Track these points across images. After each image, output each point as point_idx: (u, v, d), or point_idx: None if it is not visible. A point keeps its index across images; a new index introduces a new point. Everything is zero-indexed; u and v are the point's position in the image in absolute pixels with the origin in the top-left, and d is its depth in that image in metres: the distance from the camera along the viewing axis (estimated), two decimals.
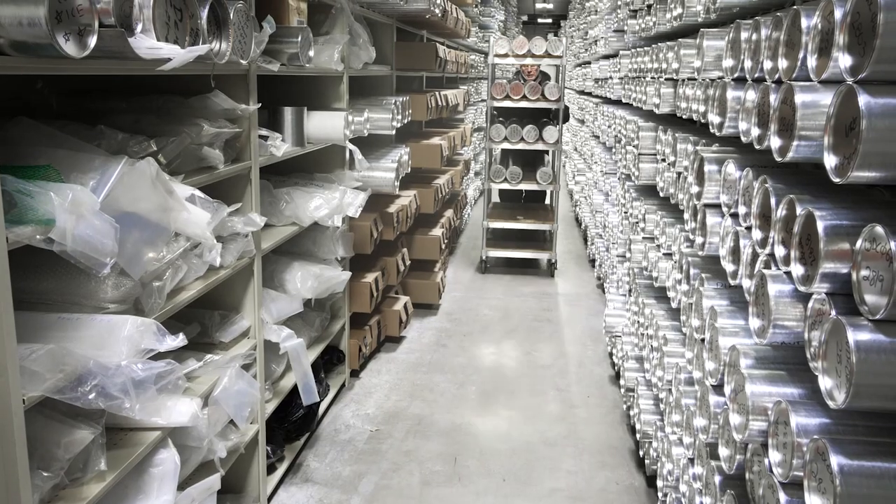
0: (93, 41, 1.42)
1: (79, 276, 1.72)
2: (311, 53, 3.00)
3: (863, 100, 1.12)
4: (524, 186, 6.55)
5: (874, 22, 1.09)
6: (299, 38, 2.82)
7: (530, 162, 7.23)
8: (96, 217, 1.42)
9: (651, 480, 3.18)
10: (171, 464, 1.94)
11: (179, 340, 1.74)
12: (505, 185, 6.54)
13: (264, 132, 2.75)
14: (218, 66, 2.19)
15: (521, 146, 6.36)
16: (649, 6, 3.63)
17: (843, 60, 1.20)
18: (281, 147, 2.80)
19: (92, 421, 1.71)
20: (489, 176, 6.52)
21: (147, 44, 1.53)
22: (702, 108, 2.42)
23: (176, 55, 1.58)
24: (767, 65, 1.71)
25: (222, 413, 2.26)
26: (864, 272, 1.23)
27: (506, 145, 6.36)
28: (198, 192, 1.91)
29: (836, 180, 1.21)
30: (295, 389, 3.01)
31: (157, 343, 1.68)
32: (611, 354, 4.46)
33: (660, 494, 2.77)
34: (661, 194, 3.11)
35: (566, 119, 6.80)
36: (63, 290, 1.73)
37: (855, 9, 1.18)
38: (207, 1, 1.92)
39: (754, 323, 1.64)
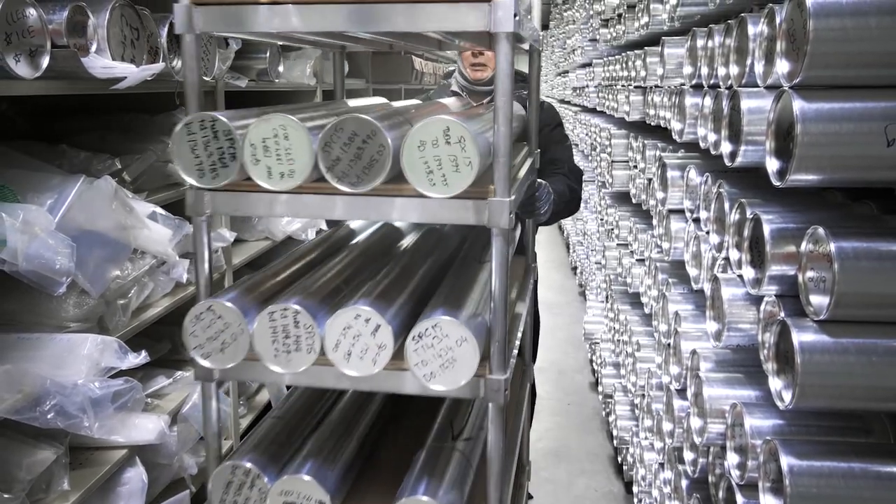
0: (45, 62, 1.43)
1: (40, 295, 1.71)
2: (281, 69, 3.01)
3: (797, 105, 1.14)
4: None
5: (805, 28, 1.11)
6: (268, 54, 2.83)
7: None
8: (51, 236, 1.42)
9: (629, 486, 3.18)
10: (139, 482, 1.93)
11: (142, 358, 1.74)
12: None
13: None
14: (182, 84, 2.20)
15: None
16: (619, 15, 3.67)
17: (781, 66, 1.22)
18: None
19: (55, 441, 1.70)
20: None
21: (101, 63, 1.53)
22: (668, 115, 2.45)
23: (130, 73, 1.58)
24: (721, 71, 1.73)
25: (192, 430, 2.25)
26: (809, 273, 1.24)
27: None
28: (159, 210, 1.91)
29: (777, 184, 1.23)
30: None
31: (119, 361, 1.67)
32: (591, 361, 4.47)
33: (635, 500, 2.78)
34: (634, 201, 3.14)
35: (570, 211, 2.42)
36: (24, 310, 1.72)
37: (789, 16, 1.20)
38: (167, 20, 1.93)
39: (711, 326, 1.66)
